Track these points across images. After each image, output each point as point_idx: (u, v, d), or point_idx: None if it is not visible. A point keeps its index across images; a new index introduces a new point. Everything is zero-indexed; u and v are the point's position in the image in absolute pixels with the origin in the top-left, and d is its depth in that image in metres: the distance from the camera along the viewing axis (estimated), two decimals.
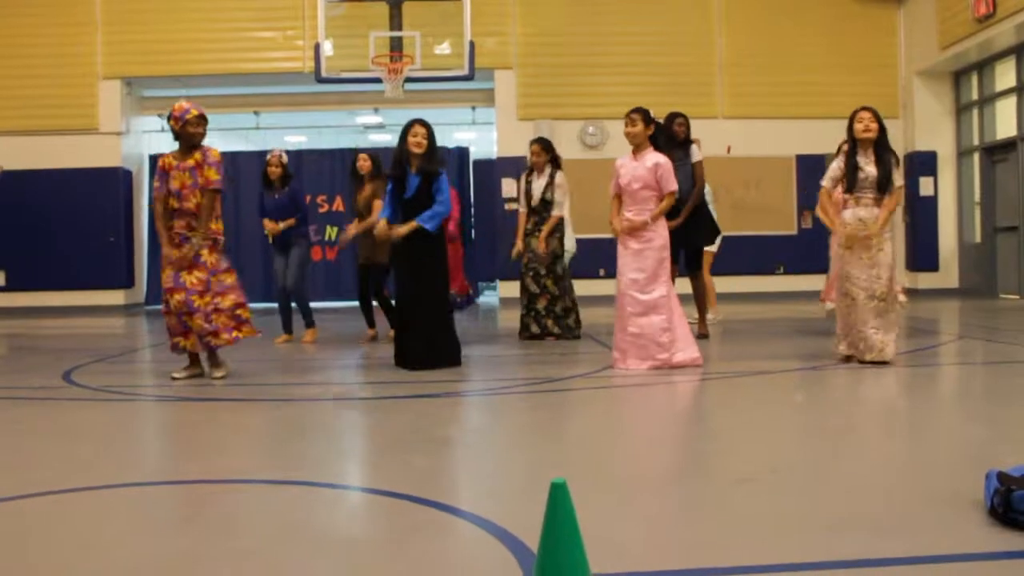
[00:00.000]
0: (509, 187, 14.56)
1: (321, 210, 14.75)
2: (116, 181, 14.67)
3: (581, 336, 8.12)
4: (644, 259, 6.06)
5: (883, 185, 5.94)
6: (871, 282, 5.89)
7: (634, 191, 6.12)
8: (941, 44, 13.99)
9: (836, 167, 6.13)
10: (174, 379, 5.94)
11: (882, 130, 6.02)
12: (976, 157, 14.61)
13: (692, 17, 14.97)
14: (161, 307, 6.07)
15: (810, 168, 15.00)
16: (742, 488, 3.11)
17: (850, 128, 6.10)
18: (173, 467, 3.70)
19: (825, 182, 6.15)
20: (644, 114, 6.22)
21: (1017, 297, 13.31)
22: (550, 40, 14.79)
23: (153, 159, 15.14)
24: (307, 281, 8.77)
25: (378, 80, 11.82)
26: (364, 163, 8.31)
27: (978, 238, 14.60)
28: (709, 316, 9.43)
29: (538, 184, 8.10)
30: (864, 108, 6.10)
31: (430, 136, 6.29)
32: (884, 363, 5.84)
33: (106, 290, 14.57)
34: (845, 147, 7.64)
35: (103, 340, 9.82)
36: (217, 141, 15.62)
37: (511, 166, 14.66)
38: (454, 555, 2.52)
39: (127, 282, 14.83)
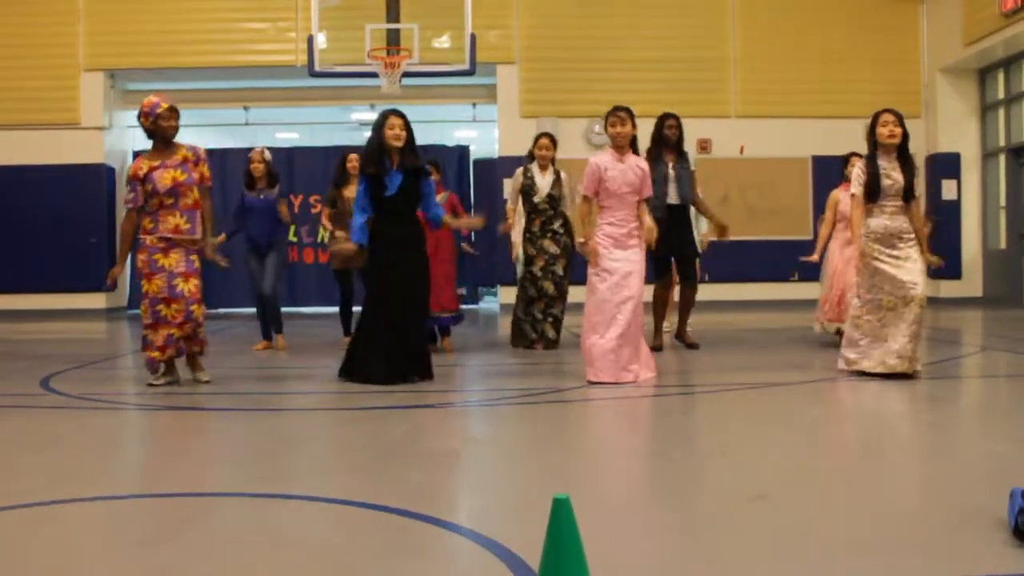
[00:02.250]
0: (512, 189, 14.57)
1: (314, 210, 14.75)
2: (98, 178, 14.69)
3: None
4: (634, 264, 6.04)
5: (907, 193, 5.94)
6: (905, 289, 5.82)
7: (623, 195, 6.10)
8: (966, 40, 14.01)
9: (860, 173, 6.04)
10: (151, 386, 5.93)
11: (905, 135, 5.99)
12: (1002, 159, 14.62)
13: (705, 11, 14.99)
14: (143, 318, 5.94)
15: (827, 170, 15.05)
16: (754, 505, 3.12)
17: (872, 132, 6.04)
18: (156, 479, 3.70)
19: (856, 190, 6.03)
20: (631, 114, 6.24)
21: None
22: (555, 34, 14.80)
23: (137, 156, 15.17)
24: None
25: (374, 75, 11.84)
26: (357, 163, 8.24)
27: (1003, 244, 14.60)
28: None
29: (544, 181, 8.01)
30: (887, 111, 6.05)
31: (408, 128, 6.05)
32: (909, 376, 5.80)
33: (87, 293, 14.58)
34: (855, 159, 7.64)
35: (84, 345, 9.83)
36: (205, 137, 15.68)
37: (514, 166, 14.55)
38: (451, 573, 2.52)
39: (109, 285, 14.84)
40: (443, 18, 13.19)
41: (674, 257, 7.97)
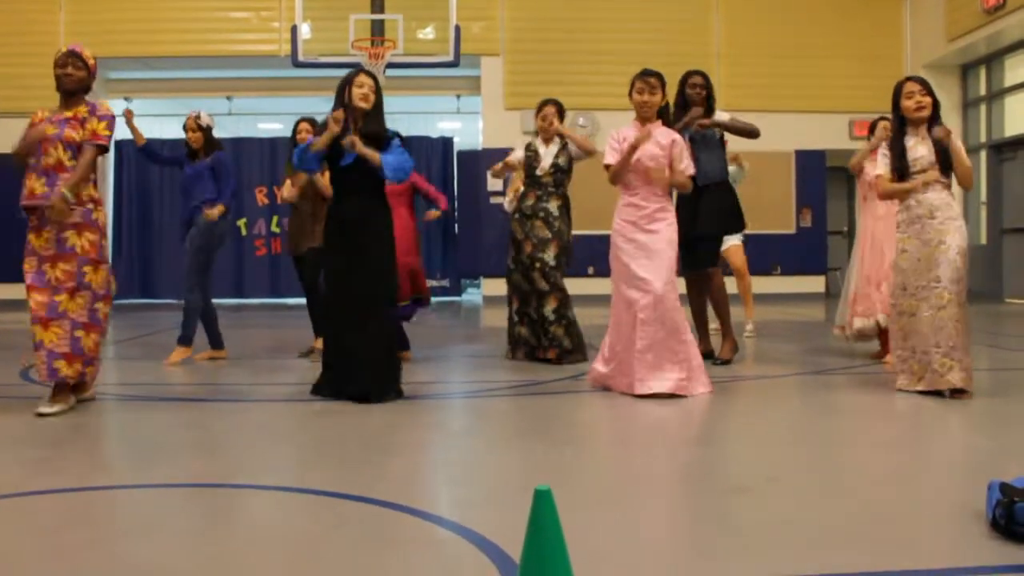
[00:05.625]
0: (495, 180, 14.57)
1: None
2: None
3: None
4: (653, 254, 5.26)
5: (945, 165, 5.09)
6: (930, 288, 5.00)
7: (642, 170, 5.39)
8: (948, 36, 14.08)
9: (885, 154, 5.24)
10: (40, 415, 4.67)
11: (936, 105, 5.17)
12: (983, 155, 14.71)
13: (689, 5, 15.02)
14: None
15: (810, 164, 15.12)
16: (737, 498, 3.13)
17: (896, 105, 5.22)
18: (135, 471, 3.68)
19: (882, 170, 5.22)
20: (662, 81, 5.58)
21: None
22: (540, 26, 14.79)
23: (119, 145, 15.05)
24: (205, 277, 6.90)
25: (358, 65, 11.80)
26: (307, 134, 6.75)
27: (984, 239, 14.70)
28: (748, 327, 8.60)
29: (547, 151, 6.85)
30: (911, 79, 5.25)
31: (378, 92, 5.24)
32: (959, 392, 4.98)
33: None
34: (883, 123, 6.70)
35: None
36: None
37: (497, 157, 14.56)
38: (432, 564, 2.52)
39: None
40: (428, 9, 13.17)
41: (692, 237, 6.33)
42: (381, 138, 5.18)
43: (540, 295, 6.63)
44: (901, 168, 5.14)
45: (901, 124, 5.22)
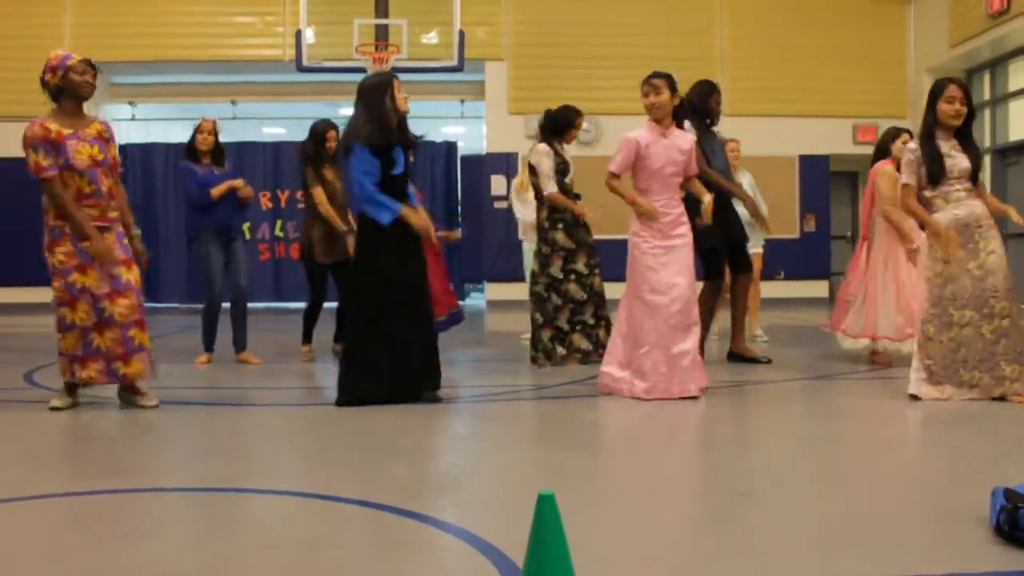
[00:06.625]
0: (498, 184, 14.58)
1: (299, 206, 14.69)
2: None
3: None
4: (679, 259, 5.28)
5: (975, 177, 5.04)
6: (986, 297, 4.91)
7: (666, 176, 5.36)
8: (952, 41, 14.07)
9: (914, 158, 5.06)
10: (55, 409, 4.93)
11: (970, 113, 5.05)
12: (987, 160, 14.69)
13: (693, 9, 15.02)
14: (66, 317, 4.83)
15: (813, 168, 15.11)
16: (741, 501, 3.13)
17: (932, 106, 5.08)
18: (138, 474, 3.68)
19: (909, 179, 5.06)
20: (670, 81, 5.50)
21: None
22: (544, 31, 14.80)
23: (122, 148, 15.05)
24: None
25: (362, 70, 11.82)
26: (334, 142, 7.08)
27: None
28: (757, 331, 8.68)
29: (570, 157, 6.99)
30: (954, 82, 5.08)
31: None
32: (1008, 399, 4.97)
33: None
34: (906, 136, 6.59)
35: None
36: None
37: (501, 162, 14.67)
38: (435, 568, 2.52)
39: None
40: (432, 14, 13.18)
41: (727, 246, 6.55)
42: (416, 148, 5.29)
43: (601, 300, 6.74)
44: (936, 173, 4.99)
45: (932, 126, 5.08)
